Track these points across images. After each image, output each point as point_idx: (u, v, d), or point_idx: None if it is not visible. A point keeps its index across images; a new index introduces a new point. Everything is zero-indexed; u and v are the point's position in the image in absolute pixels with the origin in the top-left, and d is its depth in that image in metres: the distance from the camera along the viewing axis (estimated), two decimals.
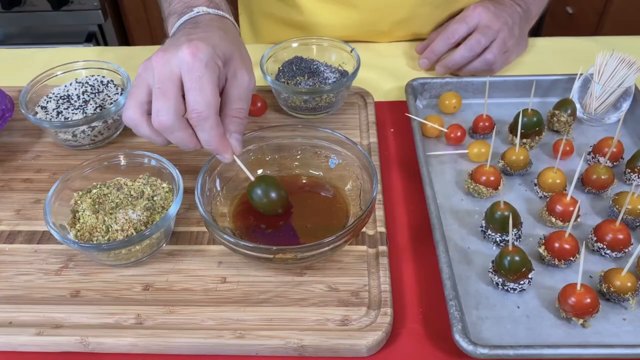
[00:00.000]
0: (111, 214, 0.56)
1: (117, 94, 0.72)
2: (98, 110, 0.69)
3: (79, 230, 0.55)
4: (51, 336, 0.50)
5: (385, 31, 0.88)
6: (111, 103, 0.70)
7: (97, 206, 0.58)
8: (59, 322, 0.52)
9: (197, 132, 0.52)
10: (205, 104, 0.50)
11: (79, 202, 0.58)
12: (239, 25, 1.03)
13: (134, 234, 0.54)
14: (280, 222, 0.58)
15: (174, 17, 0.60)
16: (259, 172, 0.63)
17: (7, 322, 0.52)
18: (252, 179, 0.57)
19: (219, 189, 0.59)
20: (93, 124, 0.67)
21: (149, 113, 0.52)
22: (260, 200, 0.56)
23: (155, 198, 0.58)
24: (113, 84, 0.73)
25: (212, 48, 0.51)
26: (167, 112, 0.50)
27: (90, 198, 0.58)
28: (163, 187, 0.59)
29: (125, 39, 1.97)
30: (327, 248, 0.50)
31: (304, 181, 0.62)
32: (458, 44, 0.80)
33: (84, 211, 0.56)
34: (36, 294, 0.54)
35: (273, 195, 0.56)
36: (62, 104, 0.70)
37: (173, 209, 0.55)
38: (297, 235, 0.57)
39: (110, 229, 0.55)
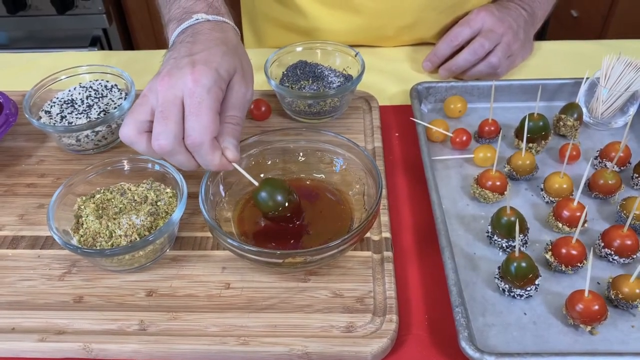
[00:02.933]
0: (115, 219, 0.56)
1: (121, 98, 0.72)
2: (102, 114, 0.69)
3: (82, 236, 0.55)
4: (54, 342, 0.50)
5: (390, 36, 0.88)
6: (115, 108, 0.70)
7: (100, 211, 0.57)
8: (62, 328, 0.51)
9: (194, 156, 0.52)
10: (201, 130, 0.50)
11: (82, 207, 0.58)
12: (241, 29, 1.03)
13: (138, 239, 0.54)
14: (286, 226, 0.57)
15: (173, 23, 0.59)
16: (262, 176, 0.62)
17: (10, 328, 0.51)
18: (256, 184, 0.56)
19: (222, 194, 0.59)
20: (97, 129, 0.67)
21: (147, 131, 0.52)
22: (266, 204, 0.55)
23: (158, 203, 0.58)
24: (117, 88, 0.73)
25: (216, 71, 0.51)
26: (166, 137, 0.50)
27: (94, 203, 0.58)
28: (167, 192, 0.59)
29: (129, 43, 1.97)
30: (335, 251, 0.50)
31: (308, 185, 0.62)
32: (462, 48, 0.80)
33: (87, 216, 0.56)
34: (39, 299, 0.54)
35: (280, 198, 0.55)
36: (66, 108, 0.70)
37: (177, 214, 0.54)
38: (303, 239, 0.56)
39: (113, 235, 0.54)
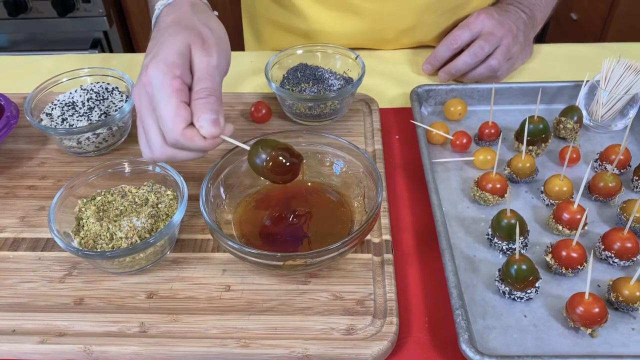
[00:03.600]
0: (115, 221, 0.56)
1: (122, 100, 0.72)
2: (103, 117, 0.69)
3: (83, 238, 0.55)
4: (55, 344, 0.50)
5: (391, 39, 0.88)
6: (116, 110, 0.70)
7: (101, 213, 0.57)
8: (62, 330, 0.51)
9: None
10: (168, 128, 0.49)
11: (83, 209, 0.58)
12: (241, 31, 1.03)
13: (138, 241, 0.54)
14: (286, 228, 0.58)
15: (153, 16, 0.59)
16: (262, 178, 0.62)
17: (10, 330, 0.52)
18: (247, 148, 0.53)
19: (223, 196, 0.59)
20: (98, 131, 0.67)
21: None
22: (261, 162, 0.51)
23: (159, 205, 0.58)
24: (118, 90, 0.73)
25: (163, 63, 0.50)
26: (149, 147, 0.51)
27: (95, 205, 0.58)
28: (167, 195, 0.59)
29: (130, 46, 1.97)
30: (335, 253, 0.50)
31: (309, 187, 0.62)
32: (462, 51, 0.80)
33: (88, 218, 0.56)
34: (40, 301, 0.54)
35: (273, 152, 0.51)
36: (67, 110, 0.70)
37: (177, 217, 0.54)
38: (304, 242, 0.56)
39: (114, 237, 0.55)
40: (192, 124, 0.50)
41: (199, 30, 0.53)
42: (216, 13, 0.61)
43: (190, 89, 0.51)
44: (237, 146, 0.53)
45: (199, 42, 0.52)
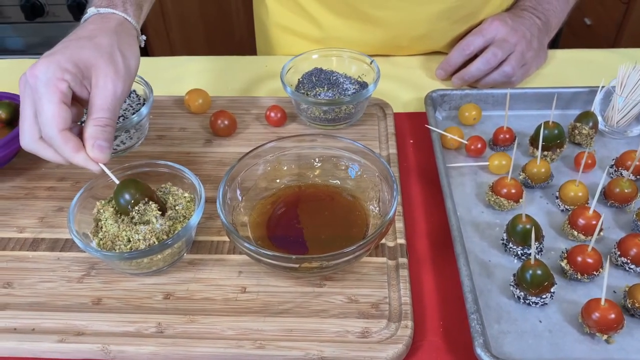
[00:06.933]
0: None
1: (140, 104, 0.73)
2: (120, 120, 0.70)
3: (101, 239, 0.56)
4: (73, 343, 0.51)
5: (404, 46, 0.89)
6: (133, 113, 0.71)
7: (119, 215, 0.58)
8: (81, 330, 0.52)
9: (56, 150, 0.52)
10: (47, 124, 0.50)
11: (101, 210, 0.58)
12: (254, 37, 1.03)
13: (156, 243, 0.55)
14: (302, 231, 0.58)
15: (83, 17, 0.60)
16: (277, 181, 0.63)
17: (30, 328, 0.52)
18: (117, 182, 0.56)
19: (239, 198, 0.59)
20: (115, 134, 0.68)
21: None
22: (119, 204, 0.56)
23: (177, 207, 0.59)
24: (135, 94, 0.74)
25: (57, 64, 0.50)
26: (23, 137, 0.52)
27: (113, 207, 0.59)
28: (185, 197, 0.60)
29: (144, 50, 1.99)
30: (351, 257, 0.51)
31: (323, 191, 0.63)
32: (475, 57, 0.80)
33: (106, 220, 0.57)
34: (59, 301, 0.55)
35: (128, 197, 0.55)
36: (85, 114, 0.71)
37: (195, 219, 0.55)
38: (319, 245, 0.57)
39: (132, 238, 0.55)
40: (75, 133, 0.52)
41: (112, 55, 0.54)
42: (144, 37, 0.61)
43: (74, 98, 0.53)
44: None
45: (106, 65, 0.53)
